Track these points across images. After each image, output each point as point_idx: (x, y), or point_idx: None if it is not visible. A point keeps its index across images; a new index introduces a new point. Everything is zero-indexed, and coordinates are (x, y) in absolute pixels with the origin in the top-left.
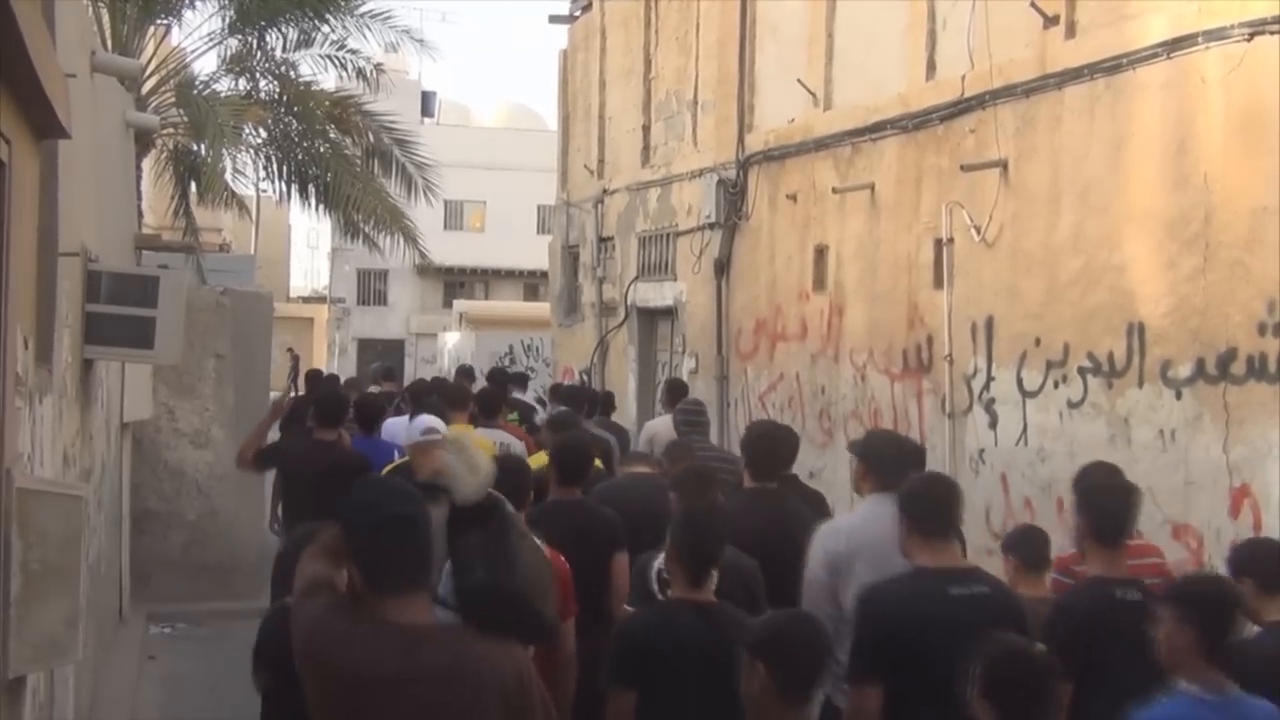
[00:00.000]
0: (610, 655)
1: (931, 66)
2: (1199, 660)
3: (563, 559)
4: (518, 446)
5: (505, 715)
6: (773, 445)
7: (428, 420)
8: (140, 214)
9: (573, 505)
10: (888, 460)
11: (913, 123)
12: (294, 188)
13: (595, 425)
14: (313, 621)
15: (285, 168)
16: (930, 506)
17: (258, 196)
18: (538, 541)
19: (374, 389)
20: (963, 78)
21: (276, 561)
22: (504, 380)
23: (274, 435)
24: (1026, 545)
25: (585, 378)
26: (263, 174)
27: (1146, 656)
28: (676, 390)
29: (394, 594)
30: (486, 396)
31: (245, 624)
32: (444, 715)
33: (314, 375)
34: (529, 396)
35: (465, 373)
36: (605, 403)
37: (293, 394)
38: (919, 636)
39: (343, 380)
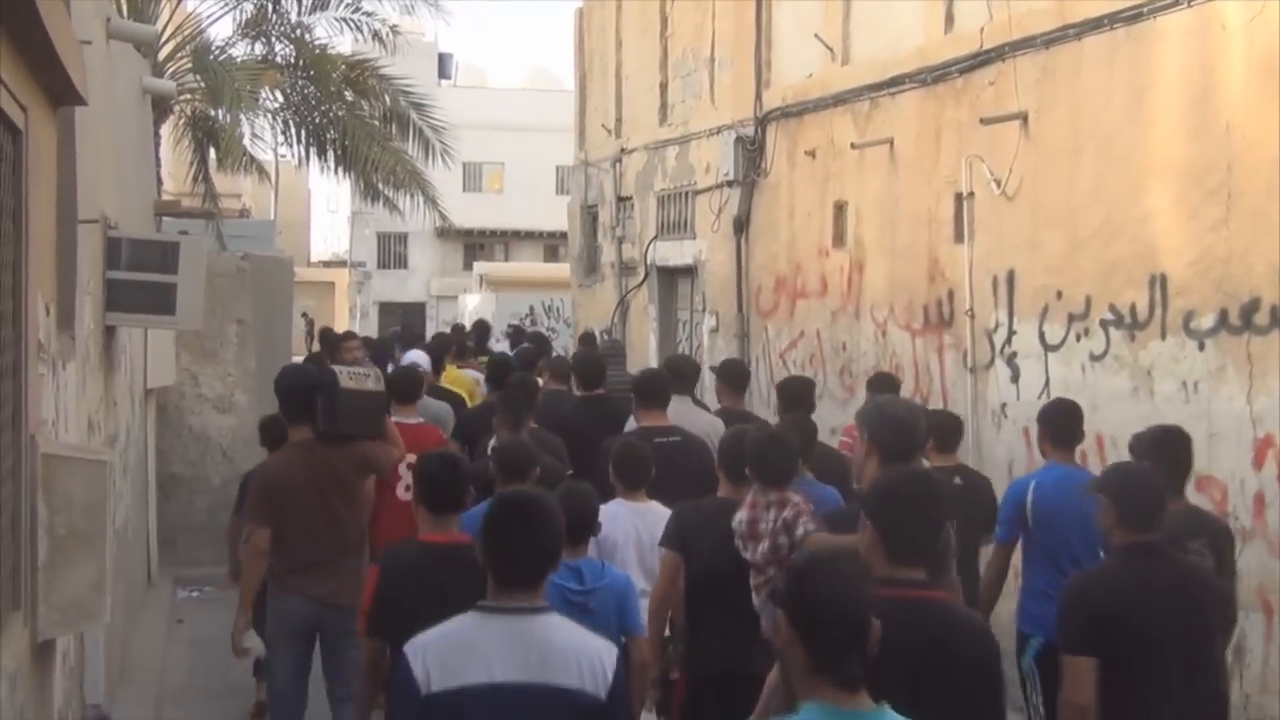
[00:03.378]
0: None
1: (950, 19)
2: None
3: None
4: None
5: (368, 470)
6: (595, 365)
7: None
8: (159, 180)
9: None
10: (688, 373)
11: (931, 76)
12: (312, 151)
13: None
14: (260, 476)
15: (303, 131)
16: (644, 387)
17: (276, 161)
18: (373, 388)
19: None
20: (981, 30)
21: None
22: (484, 335)
23: None
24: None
25: (606, 338)
26: (281, 138)
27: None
28: (587, 340)
29: (292, 423)
30: (465, 344)
31: None
32: (328, 480)
33: (325, 332)
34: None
35: (457, 329)
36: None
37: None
38: None
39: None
